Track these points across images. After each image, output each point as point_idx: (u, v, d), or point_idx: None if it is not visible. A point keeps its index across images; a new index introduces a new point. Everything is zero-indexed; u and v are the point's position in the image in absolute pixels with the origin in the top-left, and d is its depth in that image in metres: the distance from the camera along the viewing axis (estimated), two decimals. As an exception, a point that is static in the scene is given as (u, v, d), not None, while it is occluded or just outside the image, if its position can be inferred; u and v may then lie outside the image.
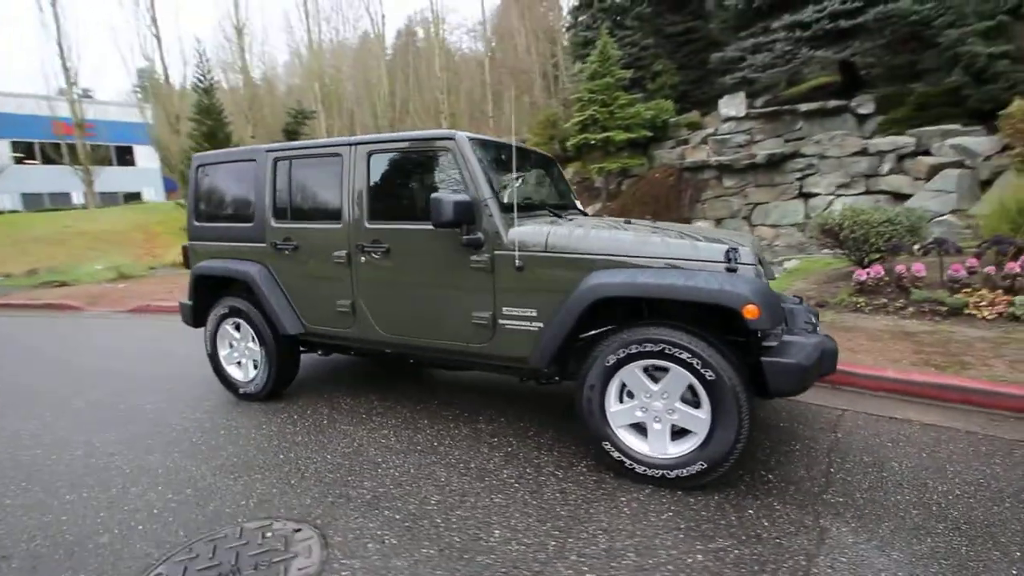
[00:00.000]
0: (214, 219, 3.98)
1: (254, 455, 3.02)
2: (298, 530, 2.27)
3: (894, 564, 1.93)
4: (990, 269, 4.66)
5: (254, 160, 3.73)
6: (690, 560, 2.00)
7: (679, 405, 2.45)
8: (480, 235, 2.83)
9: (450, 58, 25.35)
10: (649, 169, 15.46)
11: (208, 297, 4.02)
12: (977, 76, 11.44)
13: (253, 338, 3.81)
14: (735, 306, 2.22)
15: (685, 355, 2.33)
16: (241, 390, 3.89)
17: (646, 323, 2.47)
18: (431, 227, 2.97)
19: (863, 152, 11.45)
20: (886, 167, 11.11)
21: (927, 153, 10.81)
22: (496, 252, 2.84)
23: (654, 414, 2.51)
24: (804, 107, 13.48)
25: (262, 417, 3.58)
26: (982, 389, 3.24)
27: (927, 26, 12.93)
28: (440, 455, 2.92)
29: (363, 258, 3.25)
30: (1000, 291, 4.50)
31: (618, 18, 20.16)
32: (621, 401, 2.59)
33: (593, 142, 14.90)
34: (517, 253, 2.76)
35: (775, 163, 12.50)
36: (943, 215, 9.10)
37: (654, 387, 2.48)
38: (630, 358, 2.46)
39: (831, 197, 11.73)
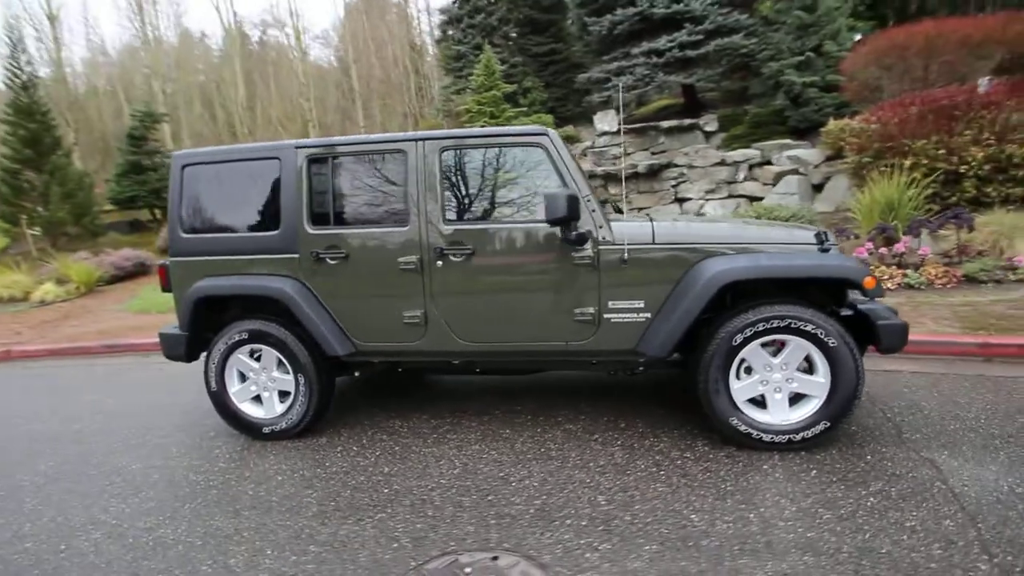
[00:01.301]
0: (212, 229, 3.33)
1: (353, 495, 2.60)
2: (495, 558, 2.06)
3: (997, 472, 2.40)
4: (883, 250, 5.88)
5: (276, 159, 3.21)
6: (868, 502, 2.26)
7: (797, 374, 2.73)
8: (586, 231, 2.83)
9: (306, 64, 23.73)
10: (538, 178, 16.18)
11: (203, 324, 3.34)
12: (794, 100, 14.12)
13: (281, 365, 3.27)
14: (858, 279, 2.57)
15: (810, 327, 2.62)
16: (267, 429, 3.29)
17: (767, 302, 2.70)
18: (525, 225, 2.91)
19: (722, 163, 13.40)
20: (741, 175, 13.13)
21: (769, 163, 13.05)
22: (600, 247, 2.86)
23: (774, 385, 2.75)
24: (665, 124, 15.35)
25: (310, 455, 3.08)
26: (935, 341, 4.10)
27: (754, 58, 15.64)
28: (561, 460, 2.83)
29: (440, 263, 3.01)
30: (893, 267, 5.70)
31: (487, 36, 20.84)
32: (738, 378, 2.79)
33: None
34: (627, 246, 2.83)
35: (654, 172, 14.02)
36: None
37: (775, 360, 2.73)
38: (756, 335, 2.68)
39: (701, 201, 13.52)
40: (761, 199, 12.37)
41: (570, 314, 2.94)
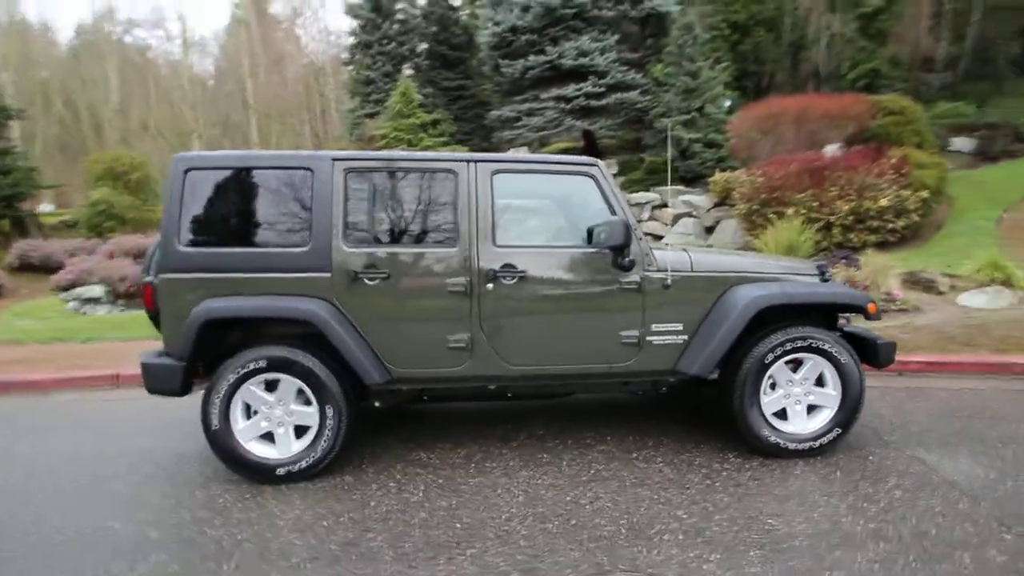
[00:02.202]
0: (223, 242, 2.94)
1: (426, 534, 2.40)
2: None
3: (969, 463, 2.94)
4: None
5: (309, 170, 2.96)
6: (895, 495, 2.64)
7: (813, 388, 3.11)
8: (634, 257, 3.00)
9: (191, 72, 21.66)
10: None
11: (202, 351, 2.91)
12: (682, 153, 15.97)
13: (300, 396, 2.94)
14: (864, 305, 3.03)
15: (827, 346, 3.02)
16: (281, 470, 2.90)
17: (791, 324, 3.06)
18: (576, 250, 3.03)
19: (629, 203, 14.65)
20: (645, 215, 14.42)
21: (666, 206, 14.52)
22: (646, 273, 3.05)
23: (795, 399, 3.11)
24: (573, 164, 16.48)
25: (344, 496, 2.78)
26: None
27: (647, 113, 17.48)
28: (618, 480, 2.89)
29: (490, 285, 2.97)
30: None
31: (396, 65, 20.83)
32: (765, 393, 3.10)
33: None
34: (670, 273, 3.05)
35: (569, 208, 14.86)
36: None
37: (796, 376, 3.09)
38: (784, 354, 3.02)
39: (610, 237, 14.60)
40: (662, 237, 13.69)
41: (616, 336, 3.06)
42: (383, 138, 15.31)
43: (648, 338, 3.08)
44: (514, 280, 2.98)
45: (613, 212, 3.05)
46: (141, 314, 3.98)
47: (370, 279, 2.93)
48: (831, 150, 10.97)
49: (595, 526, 2.43)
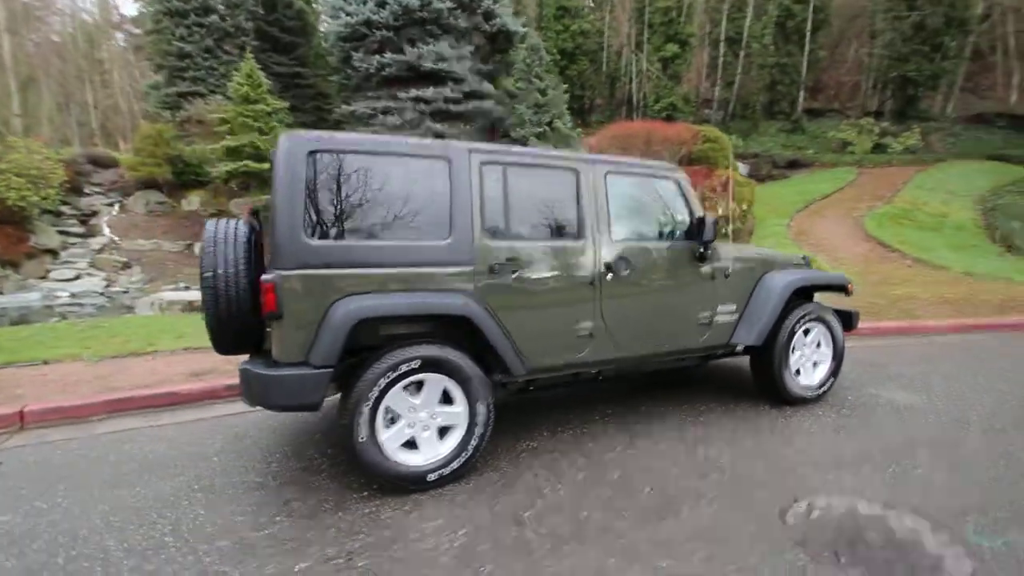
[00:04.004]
0: (360, 235, 2.62)
1: (645, 501, 2.58)
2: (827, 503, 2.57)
3: (917, 395, 4.22)
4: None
5: (446, 159, 2.82)
6: (894, 416, 3.68)
7: (819, 348, 4.06)
8: (711, 250, 3.58)
9: None
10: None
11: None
12: (539, 162, 17.40)
13: (446, 397, 2.79)
14: (846, 285, 4.08)
15: (828, 316, 3.99)
16: (433, 475, 2.70)
17: (805, 302, 3.96)
18: (672, 244, 3.51)
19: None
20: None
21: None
22: (715, 264, 3.65)
23: (807, 359, 4.02)
24: (436, 166, 16.62)
25: (497, 498, 2.74)
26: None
27: (502, 122, 18.51)
28: (717, 442, 3.40)
29: (609, 276, 3.22)
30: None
31: (219, 41, 18.25)
32: (791, 355, 3.95)
33: (256, 171, 13.29)
34: (731, 262, 3.70)
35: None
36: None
37: (808, 340, 4.00)
38: (802, 325, 3.90)
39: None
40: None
41: (696, 318, 3.59)
42: (224, 123, 13.37)
43: (715, 318, 3.68)
44: (627, 271, 3.29)
45: (691, 212, 3.57)
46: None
47: (510, 272, 2.93)
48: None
49: (715, 459, 2.92)
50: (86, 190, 14.42)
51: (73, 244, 12.38)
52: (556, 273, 3.08)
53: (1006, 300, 7.81)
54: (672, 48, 21.85)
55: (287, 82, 20.27)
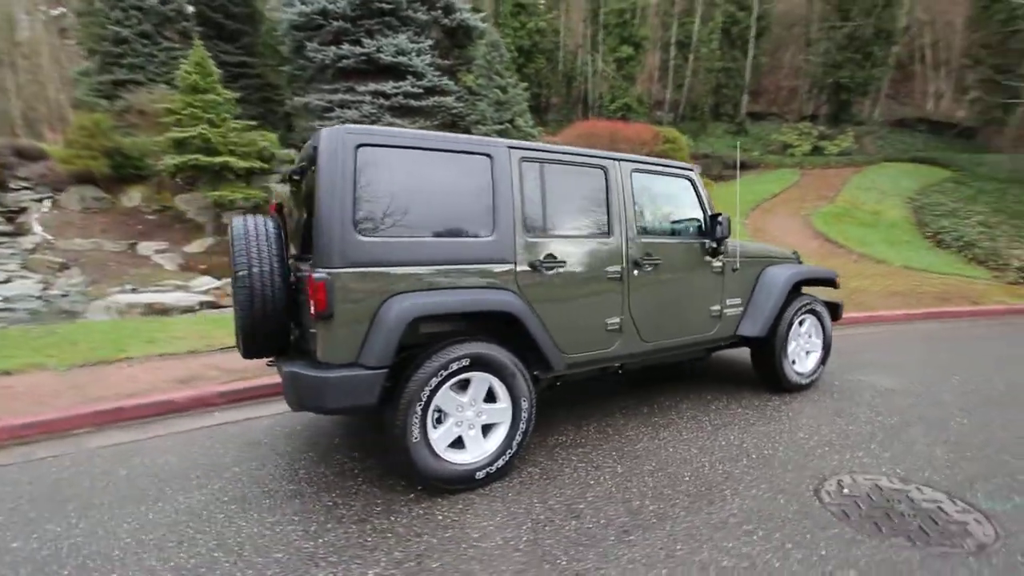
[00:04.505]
0: (405, 231, 2.56)
1: (695, 477, 2.68)
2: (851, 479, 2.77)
3: (893, 379, 4.57)
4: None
5: (488, 156, 2.80)
6: (881, 399, 3.99)
7: (812, 338, 4.32)
8: (723, 246, 3.74)
9: None
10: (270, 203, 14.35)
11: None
12: (501, 160, 17.43)
13: (491, 394, 2.78)
14: (834, 279, 4.37)
15: (819, 307, 4.27)
16: (480, 473, 2.69)
17: (799, 295, 4.21)
18: (690, 240, 3.65)
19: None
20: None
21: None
22: (725, 259, 3.82)
23: (802, 348, 4.28)
24: (397, 162, 16.32)
25: (548, 490, 2.78)
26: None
27: (464, 119, 18.38)
28: (738, 419, 3.57)
29: (636, 272, 3.31)
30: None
31: (158, 26, 17.13)
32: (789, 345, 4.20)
33: (206, 165, 12.57)
34: (738, 259, 3.88)
35: (409, 207, 14.67)
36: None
37: (802, 330, 4.26)
38: (799, 316, 4.15)
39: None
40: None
41: (708, 311, 3.75)
42: (171, 114, 12.56)
43: (724, 311, 3.86)
44: (651, 267, 3.39)
45: (704, 209, 3.72)
46: None
47: (548, 268, 2.96)
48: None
49: (738, 444, 3.09)
50: (11, 184, 13.16)
51: (0, 243, 11.27)
52: (589, 269, 3.13)
53: (943, 290, 8.58)
54: (626, 50, 22.43)
55: (233, 72, 19.24)
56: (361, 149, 2.49)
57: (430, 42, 17.75)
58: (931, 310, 7.61)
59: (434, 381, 2.55)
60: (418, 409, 2.52)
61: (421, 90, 17.30)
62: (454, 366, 2.60)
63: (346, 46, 16.34)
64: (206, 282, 11.24)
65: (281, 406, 4.08)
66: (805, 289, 4.42)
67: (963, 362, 5.17)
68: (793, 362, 4.22)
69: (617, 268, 3.23)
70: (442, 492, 2.69)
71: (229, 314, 7.45)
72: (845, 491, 2.67)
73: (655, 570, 2.10)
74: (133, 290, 10.48)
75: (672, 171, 3.67)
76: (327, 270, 2.39)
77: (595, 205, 3.22)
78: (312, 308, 2.40)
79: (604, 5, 22.97)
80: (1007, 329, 7.05)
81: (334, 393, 2.38)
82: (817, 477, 2.82)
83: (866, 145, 20.58)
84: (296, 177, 3.20)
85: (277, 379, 4.41)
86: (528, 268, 2.89)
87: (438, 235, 2.67)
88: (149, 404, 3.93)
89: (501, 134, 17.56)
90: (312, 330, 2.55)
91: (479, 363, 2.68)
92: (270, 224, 2.79)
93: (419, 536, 2.35)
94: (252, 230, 2.70)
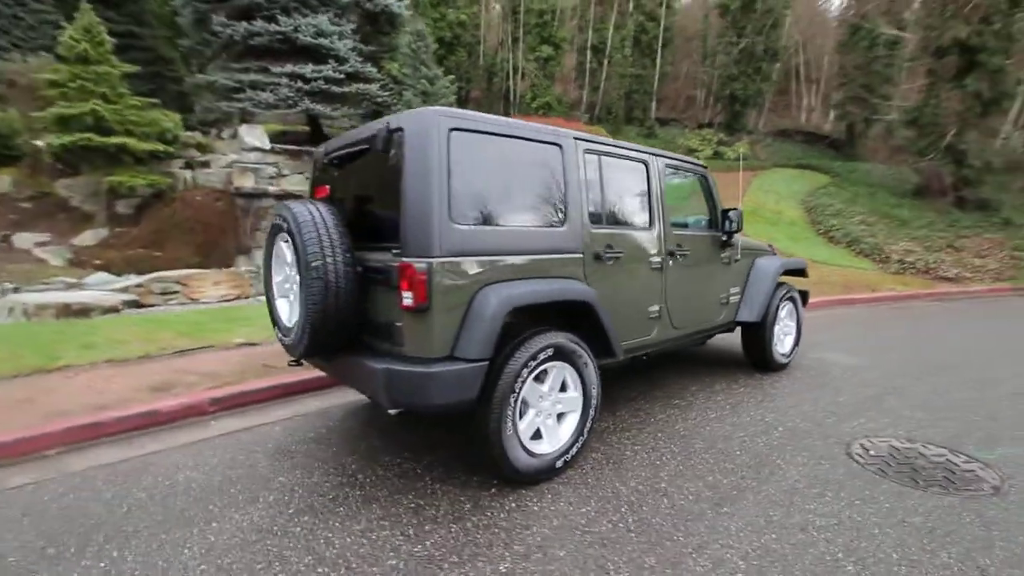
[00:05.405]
0: (494, 220, 2.48)
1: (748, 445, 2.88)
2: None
3: (850, 356, 5.21)
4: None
5: (559, 146, 2.79)
6: (848, 372, 4.55)
7: (789, 321, 4.81)
8: (731, 238, 4.05)
9: None
10: (176, 191, 12.90)
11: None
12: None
13: (566, 385, 2.79)
14: (805, 268, 4.88)
15: (794, 294, 4.75)
16: (560, 462, 2.70)
17: (781, 284, 4.66)
18: (709, 233, 3.93)
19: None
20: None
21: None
22: (729, 250, 4.14)
23: (783, 331, 4.74)
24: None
25: (620, 473, 2.86)
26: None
27: (389, 108, 17.75)
28: (735, 396, 3.88)
29: (671, 262, 3.48)
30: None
31: (20, -21, 14.66)
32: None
33: (99, 146, 11.01)
34: (741, 250, 4.22)
35: (339, 199, 13.88)
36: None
37: (782, 315, 4.72)
38: (782, 303, 4.60)
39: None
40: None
41: (718, 299, 4.04)
42: (56, 87, 10.84)
43: (729, 298, 4.18)
44: (682, 258, 3.58)
45: (716, 204, 4.00)
46: None
47: (608, 258, 3.03)
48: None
49: (761, 419, 3.42)
50: None
51: None
52: (639, 259, 3.25)
53: (846, 280, 9.87)
54: (547, 50, 22.97)
55: (119, 43, 16.95)
56: (454, 133, 2.38)
57: (352, 26, 16.92)
58: (841, 297, 8.73)
59: (525, 372, 2.52)
60: (512, 401, 2.48)
61: (343, 76, 16.43)
62: (541, 356, 2.59)
63: (259, 22, 15.08)
64: (106, 279, 9.87)
65: (284, 410, 3.78)
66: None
67: (891, 340, 6.03)
68: (776, 344, 4.67)
69: (658, 258, 3.38)
70: (517, 484, 2.66)
71: (162, 314, 6.68)
72: (872, 452, 3.05)
73: (764, 535, 2.26)
74: (16, 289, 8.92)
75: (692, 168, 3.90)
76: (427, 259, 2.26)
77: (640, 197, 3.34)
78: (407, 300, 2.26)
79: (524, 4, 23.31)
80: (907, 312, 8.30)
81: (440, 388, 2.26)
82: (841, 443, 3.18)
83: (758, 152, 22.92)
84: (336, 161, 2.96)
85: (270, 381, 4.05)
86: (593, 258, 2.94)
87: (520, 224, 2.63)
88: (131, 417, 3.43)
89: (429, 126, 17.19)
90: (397, 323, 2.40)
91: (559, 353, 2.68)
92: (332, 212, 2.56)
93: (528, 528, 2.32)
94: (318, 217, 2.47)
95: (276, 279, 2.83)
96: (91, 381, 4.07)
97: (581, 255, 2.87)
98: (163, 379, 4.12)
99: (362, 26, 18.15)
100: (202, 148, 14.54)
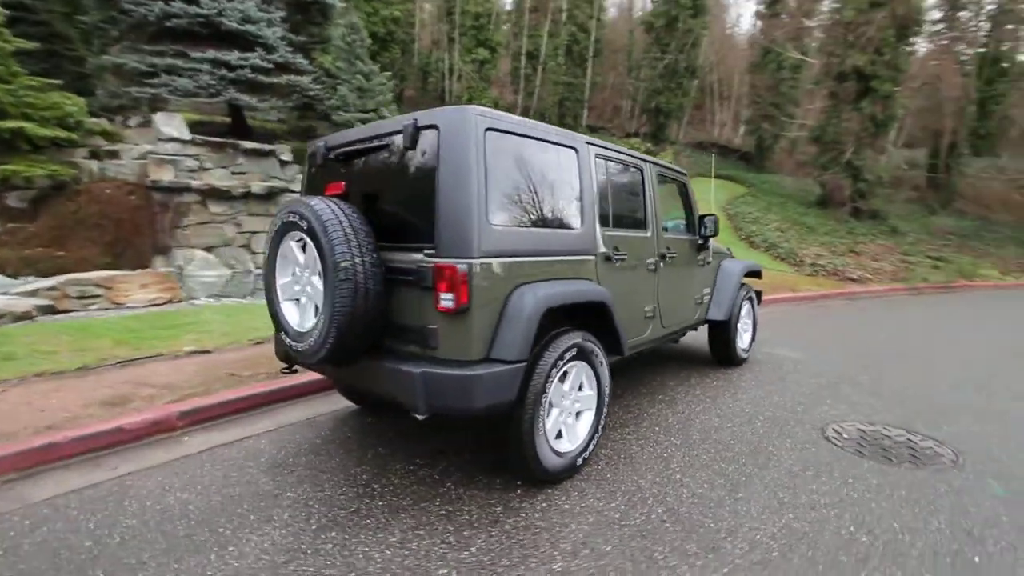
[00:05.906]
0: (521, 222, 2.48)
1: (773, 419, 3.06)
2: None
3: (801, 352, 5.69)
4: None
5: (574, 149, 2.83)
6: (801, 364, 4.99)
7: (747, 320, 5.17)
8: (707, 242, 4.31)
9: None
10: (81, 183, 11.56)
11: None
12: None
13: (585, 383, 2.84)
14: (760, 270, 5.28)
15: (752, 293, 5.13)
16: (580, 459, 2.74)
17: (744, 284, 5.00)
18: (689, 237, 4.16)
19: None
20: (349, 208, 14.32)
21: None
22: (704, 253, 4.40)
23: (743, 327, 5.09)
24: (246, 145, 14.44)
25: (639, 468, 2.96)
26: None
27: (321, 103, 17.01)
28: (711, 389, 4.14)
29: (662, 263, 3.65)
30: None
31: None
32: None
33: (-9, 133, 9.68)
34: (712, 252, 4.50)
35: (273, 195, 13.05)
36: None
37: (742, 313, 5.07)
38: (744, 302, 4.94)
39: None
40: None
41: (694, 299, 4.28)
42: (-71, 58, 9.36)
43: (703, 298, 4.44)
44: (670, 260, 3.76)
45: (690, 209, 4.23)
46: None
47: (616, 260, 3.12)
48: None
49: (741, 410, 3.70)
50: None
51: None
52: (639, 260, 3.37)
53: (769, 282, 10.72)
54: (483, 52, 22.98)
55: (7, 15, 14.93)
56: (489, 133, 2.36)
57: (281, 14, 16.03)
58: (770, 297, 9.50)
59: (553, 372, 2.54)
60: (543, 401, 2.49)
61: (272, 65, 15.52)
62: (567, 356, 2.62)
63: (178, 3, 13.89)
64: (3, 282, 8.69)
65: (265, 421, 3.55)
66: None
67: (827, 335, 6.66)
68: (738, 340, 5.02)
69: (653, 260, 3.53)
70: (540, 484, 2.67)
71: (86, 320, 5.98)
72: (844, 436, 3.37)
73: (784, 515, 2.44)
74: None
75: (676, 175, 4.10)
76: (467, 260, 2.22)
77: (637, 201, 3.47)
78: (446, 302, 2.21)
79: (460, 6, 23.21)
80: (827, 309, 9.19)
81: (482, 391, 2.22)
82: (816, 429, 3.49)
83: (681, 162, 24.36)
84: (342, 157, 2.82)
85: (244, 391, 3.76)
86: (603, 259, 3.02)
87: (546, 225, 2.65)
88: (92, 436, 3.05)
89: (365, 123, 16.64)
90: (431, 326, 2.33)
91: (581, 353, 2.73)
92: (354, 208, 2.44)
93: (567, 526, 2.34)
94: (342, 215, 2.35)
95: (281, 281, 2.65)
96: (26, 397, 3.57)
97: (594, 257, 2.94)
98: (114, 393, 3.70)
99: (292, 15, 17.26)
100: (109, 137, 13.12)
